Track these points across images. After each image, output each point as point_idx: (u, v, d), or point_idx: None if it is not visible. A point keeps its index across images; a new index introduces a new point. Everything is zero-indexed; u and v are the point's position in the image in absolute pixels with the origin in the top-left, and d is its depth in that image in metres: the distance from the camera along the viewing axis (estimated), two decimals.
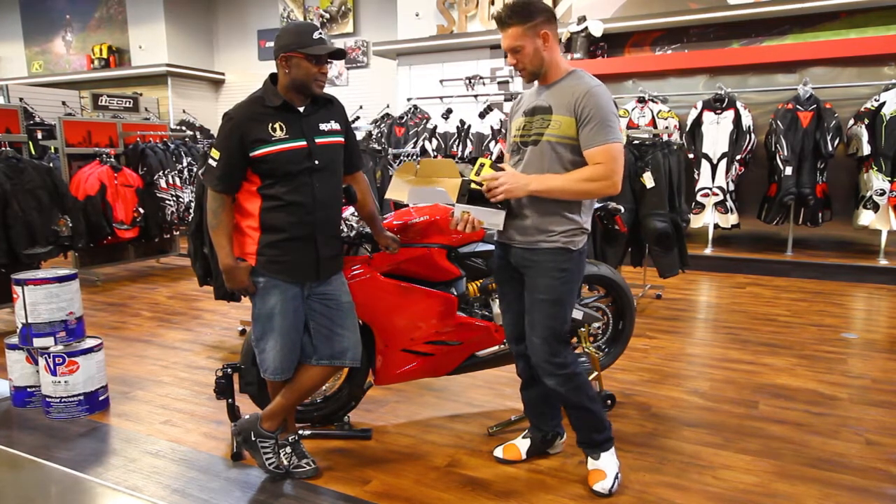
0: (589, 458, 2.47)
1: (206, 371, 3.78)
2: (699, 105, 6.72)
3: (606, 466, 2.42)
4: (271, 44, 11.59)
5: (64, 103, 10.00)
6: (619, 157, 2.15)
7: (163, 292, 6.02)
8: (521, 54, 2.22)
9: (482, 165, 2.27)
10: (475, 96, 8.39)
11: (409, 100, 8.77)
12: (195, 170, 6.64)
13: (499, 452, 2.67)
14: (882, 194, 5.98)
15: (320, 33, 2.26)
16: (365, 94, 10.12)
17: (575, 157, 2.21)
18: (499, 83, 8.42)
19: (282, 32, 2.28)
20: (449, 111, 8.29)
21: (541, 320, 2.31)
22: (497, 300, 3.00)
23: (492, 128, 7.87)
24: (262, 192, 2.30)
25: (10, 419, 3.16)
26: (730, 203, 6.63)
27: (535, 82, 2.34)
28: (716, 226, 6.77)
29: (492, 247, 3.00)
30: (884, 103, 5.96)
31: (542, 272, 2.28)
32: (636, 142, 5.03)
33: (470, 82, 8.52)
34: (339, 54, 2.30)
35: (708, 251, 6.87)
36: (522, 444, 2.65)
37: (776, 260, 6.48)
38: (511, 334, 2.56)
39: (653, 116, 6.97)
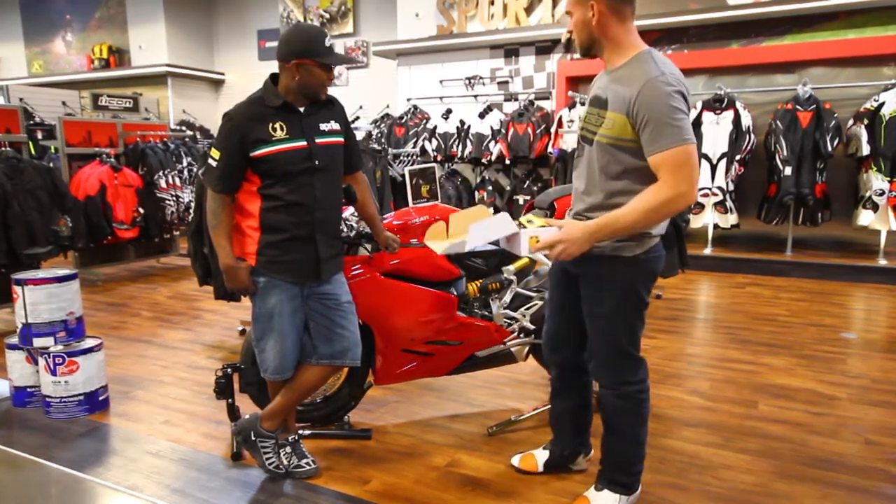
0: (593, 485, 2.30)
1: (206, 371, 3.78)
2: (699, 105, 6.72)
3: (598, 502, 2.24)
4: (271, 44, 11.52)
5: (64, 103, 10.00)
6: (687, 162, 1.83)
7: (163, 292, 6.02)
8: (571, 21, 2.04)
9: (530, 221, 2.05)
10: (475, 96, 8.40)
11: (408, 100, 8.78)
12: (195, 170, 6.65)
13: (516, 461, 2.58)
14: (881, 194, 5.99)
15: (330, 40, 2.28)
16: (365, 94, 10.12)
17: (635, 160, 1.93)
18: (499, 83, 8.43)
19: (291, 37, 2.25)
20: (449, 111, 8.29)
21: (596, 334, 2.15)
22: (497, 300, 3.01)
23: (491, 128, 7.88)
24: (263, 193, 2.30)
25: (10, 419, 3.16)
26: (729, 203, 6.63)
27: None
28: (715, 226, 6.77)
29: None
30: (883, 103, 5.96)
31: (591, 283, 2.11)
32: None
33: (470, 82, 8.52)
34: (351, 62, 2.37)
35: (708, 251, 6.88)
36: (540, 456, 2.55)
37: (776, 260, 6.48)
38: (547, 341, 2.41)
39: None
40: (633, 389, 2.15)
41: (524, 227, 2.02)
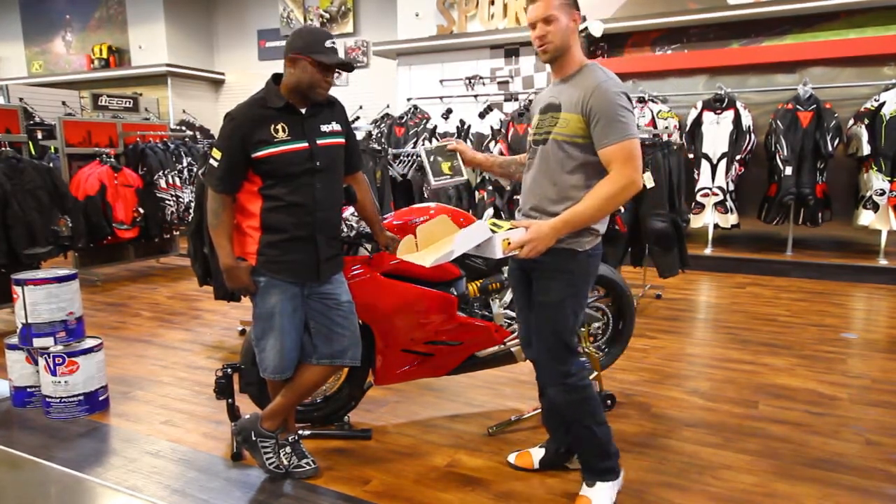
0: (584, 484, 2.32)
1: (206, 371, 3.78)
2: (699, 105, 6.72)
3: (597, 498, 2.26)
4: (271, 44, 11.46)
5: (64, 103, 9.99)
6: (634, 154, 2.04)
7: (163, 292, 6.02)
8: (552, 25, 2.07)
9: (496, 224, 2.13)
10: (475, 96, 8.39)
11: (409, 100, 8.77)
12: (195, 170, 6.64)
13: (512, 458, 2.61)
14: (882, 194, 5.99)
15: (333, 42, 2.28)
16: (365, 94, 10.12)
17: (587, 156, 2.10)
18: (499, 83, 8.43)
19: (295, 33, 2.28)
20: (449, 111, 8.28)
21: (544, 324, 2.21)
22: (497, 300, 3.01)
23: (492, 128, 7.87)
24: (263, 193, 2.30)
25: (10, 419, 3.16)
26: (730, 203, 6.63)
27: (552, 78, 2.25)
28: (716, 226, 6.77)
29: None
30: (883, 103, 5.96)
31: (545, 274, 2.19)
32: None
33: (470, 82, 8.52)
34: (348, 67, 2.33)
35: (708, 251, 6.88)
36: (536, 454, 2.58)
37: (776, 260, 6.48)
38: (524, 340, 2.46)
39: (653, 117, 6.97)
40: (575, 380, 2.23)
41: (491, 228, 2.11)
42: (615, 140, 2.03)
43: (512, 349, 2.98)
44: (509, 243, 2.04)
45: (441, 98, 8.58)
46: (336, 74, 2.35)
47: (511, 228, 2.09)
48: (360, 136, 6.38)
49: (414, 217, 2.89)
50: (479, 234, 2.09)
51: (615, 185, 2.03)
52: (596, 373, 3.02)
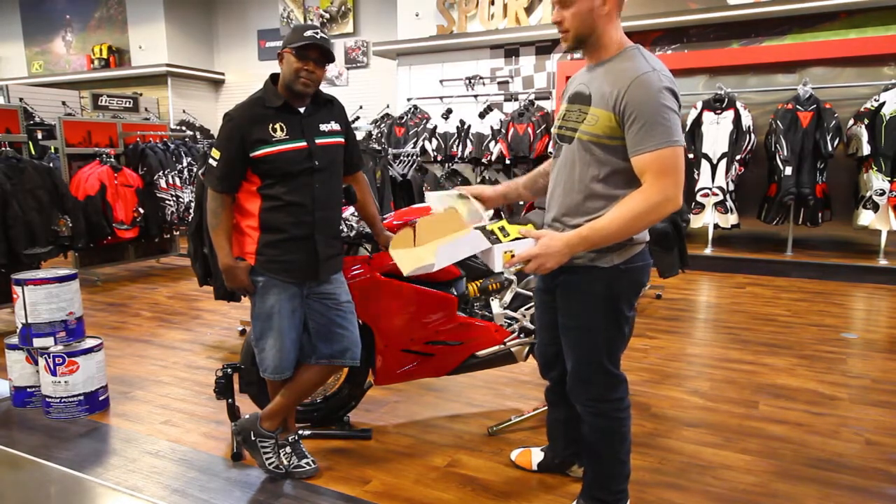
0: (578, 499, 2.18)
1: (206, 371, 3.78)
2: (699, 105, 6.72)
3: None
4: (271, 44, 11.51)
5: (64, 103, 10.00)
6: (674, 165, 1.72)
7: (163, 292, 6.02)
8: (569, 9, 1.80)
9: (502, 229, 1.90)
10: (475, 96, 8.40)
11: (409, 100, 8.78)
12: (195, 170, 6.65)
13: (514, 455, 2.60)
14: (882, 194, 5.99)
15: (315, 32, 2.25)
16: (365, 94, 10.12)
17: (619, 161, 1.81)
18: (499, 83, 8.43)
19: (287, 33, 2.32)
20: (449, 111, 8.29)
21: (568, 345, 2.02)
22: (497, 300, 3.01)
23: (492, 128, 7.88)
24: (262, 193, 2.31)
25: (10, 419, 3.16)
26: (730, 203, 6.63)
27: (585, 58, 1.95)
28: (716, 226, 6.77)
29: None
30: (883, 103, 5.96)
31: (565, 295, 1.98)
32: None
33: (470, 82, 8.53)
34: (325, 53, 2.25)
35: (708, 251, 6.88)
36: (536, 456, 2.56)
37: (776, 260, 6.48)
38: (540, 358, 2.34)
39: None
40: (608, 407, 2.01)
41: (495, 234, 1.88)
42: (652, 147, 1.72)
43: (512, 349, 2.98)
44: (513, 255, 1.81)
45: (441, 98, 8.59)
46: (325, 64, 2.29)
47: (517, 238, 1.86)
48: (360, 136, 6.38)
49: (414, 217, 2.88)
50: (469, 246, 1.88)
51: (646, 202, 1.73)
52: None
